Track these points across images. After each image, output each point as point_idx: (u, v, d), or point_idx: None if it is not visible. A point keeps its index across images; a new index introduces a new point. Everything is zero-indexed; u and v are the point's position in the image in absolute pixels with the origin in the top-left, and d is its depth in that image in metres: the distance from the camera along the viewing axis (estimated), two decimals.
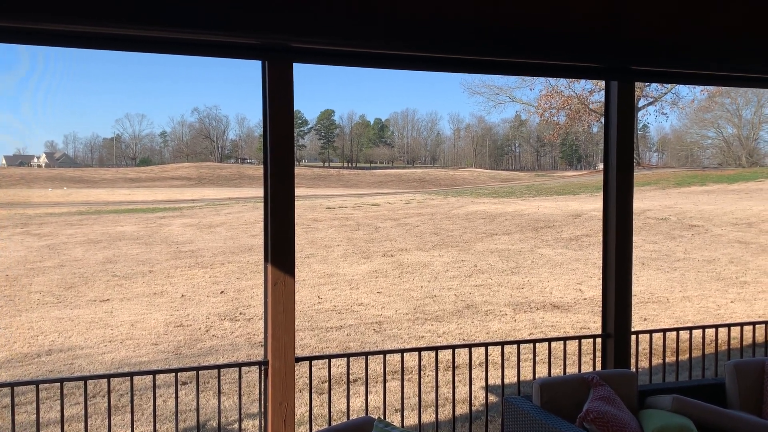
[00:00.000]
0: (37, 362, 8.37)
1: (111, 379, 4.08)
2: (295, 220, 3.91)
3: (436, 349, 4.59)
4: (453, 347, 4.68)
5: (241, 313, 11.02)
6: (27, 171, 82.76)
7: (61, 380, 3.91)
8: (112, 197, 45.24)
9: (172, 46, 3.58)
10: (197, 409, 4.16)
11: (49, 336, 9.66)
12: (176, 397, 4.12)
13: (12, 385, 3.78)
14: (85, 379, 3.96)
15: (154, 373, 4.07)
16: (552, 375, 5.02)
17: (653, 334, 5.26)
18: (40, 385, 3.88)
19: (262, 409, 4.06)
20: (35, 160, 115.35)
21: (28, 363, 8.33)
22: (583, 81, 40.59)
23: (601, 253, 4.77)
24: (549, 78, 39.12)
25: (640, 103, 45.30)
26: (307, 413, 5.15)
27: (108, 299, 12.32)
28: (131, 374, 4.04)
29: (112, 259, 16.94)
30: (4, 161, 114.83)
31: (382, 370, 7.19)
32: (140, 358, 8.50)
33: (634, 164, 4.91)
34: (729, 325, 5.58)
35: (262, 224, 4.01)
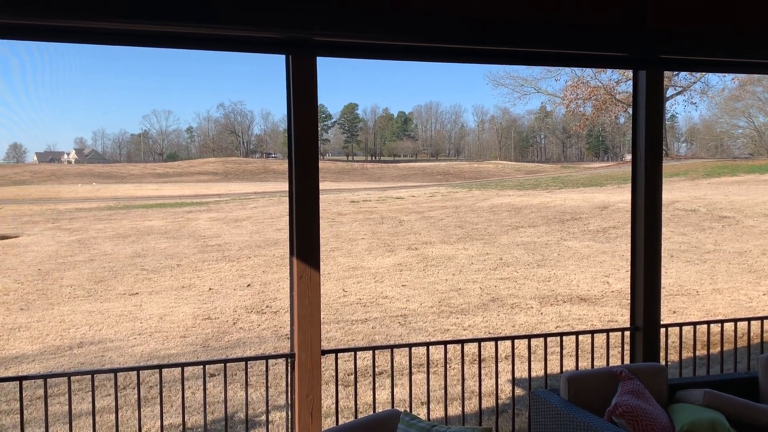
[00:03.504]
0: (69, 354, 8.54)
1: (140, 371, 4.15)
2: (320, 214, 3.92)
3: (462, 342, 4.57)
4: (479, 340, 4.66)
5: (267, 306, 11.11)
6: (57, 167, 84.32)
7: (93, 372, 3.98)
8: (141, 192, 45.91)
9: (197, 42, 3.60)
10: (225, 401, 4.21)
11: (80, 329, 9.84)
12: (204, 389, 4.17)
13: (45, 377, 3.86)
14: (115, 371, 4.02)
15: (182, 365, 4.12)
16: (579, 368, 4.97)
17: (683, 327, 5.18)
18: (72, 377, 3.95)
19: (289, 401, 4.09)
20: (65, 156, 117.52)
21: (60, 355, 8.50)
22: (609, 71, 40.00)
23: (629, 245, 4.70)
24: (575, 68, 38.63)
25: (668, 93, 44.52)
26: (334, 405, 5.19)
27: (137, 293, 12.51)
28: (160, 367, 4.10)
29: (141, 253, 17.20)
30: (35, 158, 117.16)
31: (407, 363, 7.20)
32: (169, 351, 8.63)
33: (663, 155, 4.82)
34: (762, 318, 5.46)
35: (286, 218, 4.03)
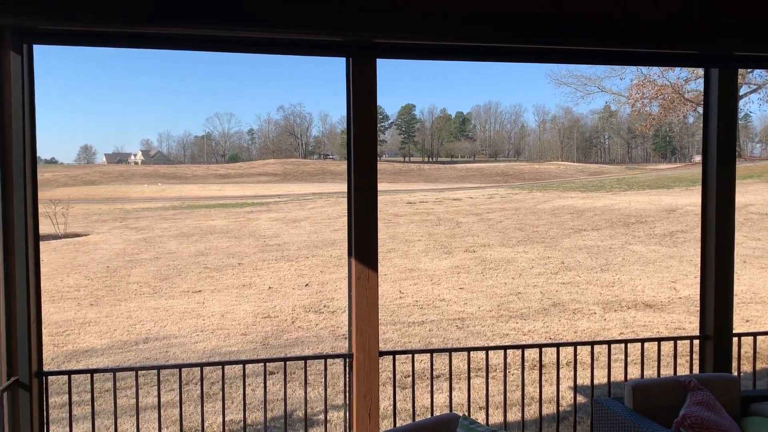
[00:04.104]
0: (135, 349, 8.84)
1: (203, 367, 4.25)
2: (378, 215, 3.93)
3: (523, 347, 4.49)
4: (540, 346, 4.57)
5: (325, 306, 11.22)
6: (125, 168, 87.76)
7: (158, 367, 4.10)
8: (204, 193, 47.23)
9: (260, 46, 3.67)
10: (284, 399, 4.27)
11: (146, 325, 10.19)
12: (264, 387, 4.23)
13: (114, 370, 4.00)
14: (180, 367, 4.13)
15: (244, 362, 4.20)
16: (645, 377, 4.80)
17: (757, 337, 4.93)
18: (139, 372, 4.08)
19: (347, 401, 4.11)
20: (132, 157, 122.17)
21: (127, 350, 8.82)
22: (677, 69, 38.60)
23: (699, 250, 4.51)
24: (641, 67, 37.45)
25: (742, 91, 42.60)
26: (391, 407, 5.18)
27: (200, 290, 12.86)
28: (222, 363, 4.18)
29: (204, 252, 17.68)
30: (104, 159, 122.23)
31: (465, 366, 7.12)
32: (230, 348, 8.82)
33: (736, 156, 4.60)
34: None
35: (343, 219, 4.05)
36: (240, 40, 3.61)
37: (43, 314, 10.79)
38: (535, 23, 3.75)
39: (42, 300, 3.63)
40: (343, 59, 3.88)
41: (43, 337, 9.90)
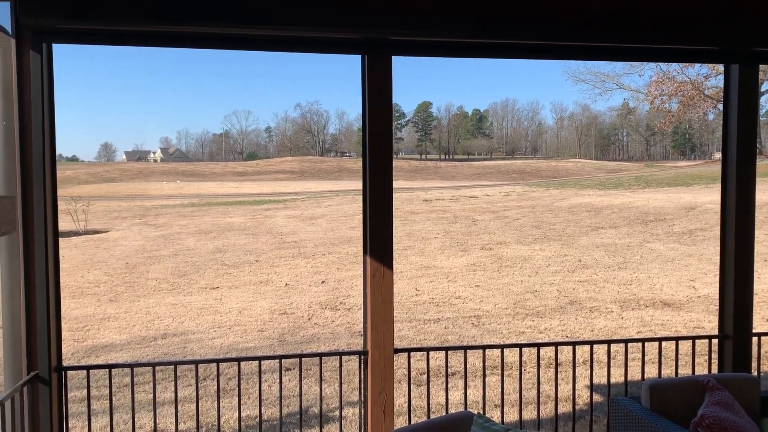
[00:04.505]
0: (154, 345, 8.93)
1: (220, 363, 4.27)
2: (393, 213, 3.92)
3: (538, 345, 4.47)
4: (556, 344, 4.54)
5: (341, 303, 11.25)
6: (144, 166, 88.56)
7: (175, 363, 4.14)
8: (221, 190, 47.54)
9: (276, 44, 3.68)
10: (300, 395, 4.29)
11: (164, 320, 10.29)
12: (280, 383, 4.26)
13: (132, 366, 4.05)
14: (196, 363, 4.17)
15: (260, 359, 4.22)
16: (662, 376, 4.76)
17: None
18: (156, 367, 4.12)
19: (362, 398, 4.12)
20: (151, 155, 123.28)
21: (146, 345, 8.91)
22: (697, 65, 38.10)
23: (718, 248, 4.46)
24: (660, 63, 37.05)
25: (764, 87, 41.93)
26: (406, 404, 5.18)
27: (217, 287, 12.96)
28: (239, 359, 4.21)
29: (222, 249, 17.80)
30: (124, 157, 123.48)
31: (481, 364, 7.11)
32: (247, 344, 8.88)
33: (757, 153, 4.54)
34: None
35: (360, 216, 4.05)
36: (256, 38, 3.62)
37: (63, 310, 10.96)
38: (552, 20, 3.73)
39: (62, 296, 3.68)
40: (359, 57, 3.88)
41: (64, 333, 10.03)
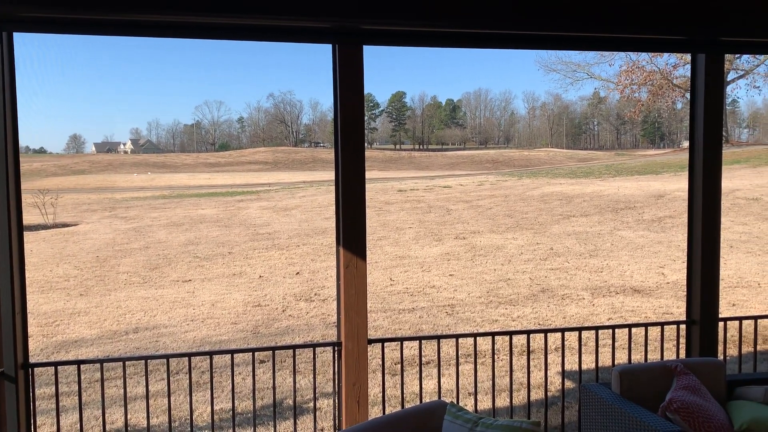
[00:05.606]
0: (125, 339, 8.82)
1: (192, 357, 4.23)
2: (367, 203, 3.91)
3: (511, 333, 4.51)
4: (528, 332, 4.59)
5: (315, 294, 11.22)
6: (114, 157, 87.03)
7: (146, 358, 4.09)
8: (193, 182, 46.98)
9: (245, 33, 3.62)
10: (273, 388, 4.27)
11: (135, 314, 10.15)
12: (253, 376, 4.24)
13: (101, 361, 3.99)
14: (168, 357, 4.12)
15: (232, 352, 4.19)
16: (632, 362, 4.84)
17: (743, 321, 4.97)
18: (127, 362, 4.07)
19: (336, 389, 4.11)
20: (121, 146, 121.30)
21: (117, 340, 8.79)
22: (666, 55, 38.65)
23: (686, 235, 4.54)
24: (630, 53, 37.47)
25: (730, 77, 42.73)
26: (380, 394, 5.20)
27: (190, 280, 12.82)
28: (211, 353, 4.18)
29: (194, 241, 17.61)
30: (93, 148, 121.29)
31: (454, 353, 7.15)
32: (220, 337, 8.81)
33: (723, 141, 4.62)
34: None
35: (334, 207, 4.03)
36: (225, 27, 3.56)
37: (32, 305, 10.75)
38: (524, 9, 3.73)
39: (31, 290, 3.60)
40: (330, 46, 3.84)
41: (33, 328, 9.84)
